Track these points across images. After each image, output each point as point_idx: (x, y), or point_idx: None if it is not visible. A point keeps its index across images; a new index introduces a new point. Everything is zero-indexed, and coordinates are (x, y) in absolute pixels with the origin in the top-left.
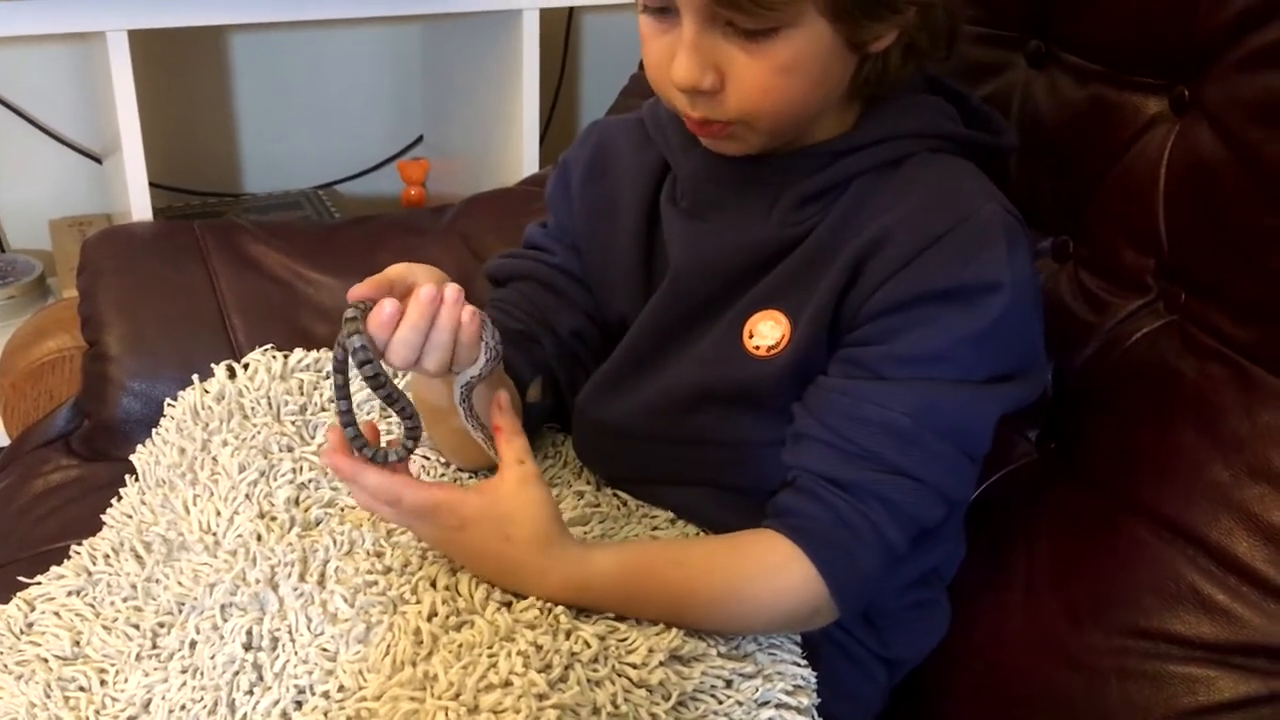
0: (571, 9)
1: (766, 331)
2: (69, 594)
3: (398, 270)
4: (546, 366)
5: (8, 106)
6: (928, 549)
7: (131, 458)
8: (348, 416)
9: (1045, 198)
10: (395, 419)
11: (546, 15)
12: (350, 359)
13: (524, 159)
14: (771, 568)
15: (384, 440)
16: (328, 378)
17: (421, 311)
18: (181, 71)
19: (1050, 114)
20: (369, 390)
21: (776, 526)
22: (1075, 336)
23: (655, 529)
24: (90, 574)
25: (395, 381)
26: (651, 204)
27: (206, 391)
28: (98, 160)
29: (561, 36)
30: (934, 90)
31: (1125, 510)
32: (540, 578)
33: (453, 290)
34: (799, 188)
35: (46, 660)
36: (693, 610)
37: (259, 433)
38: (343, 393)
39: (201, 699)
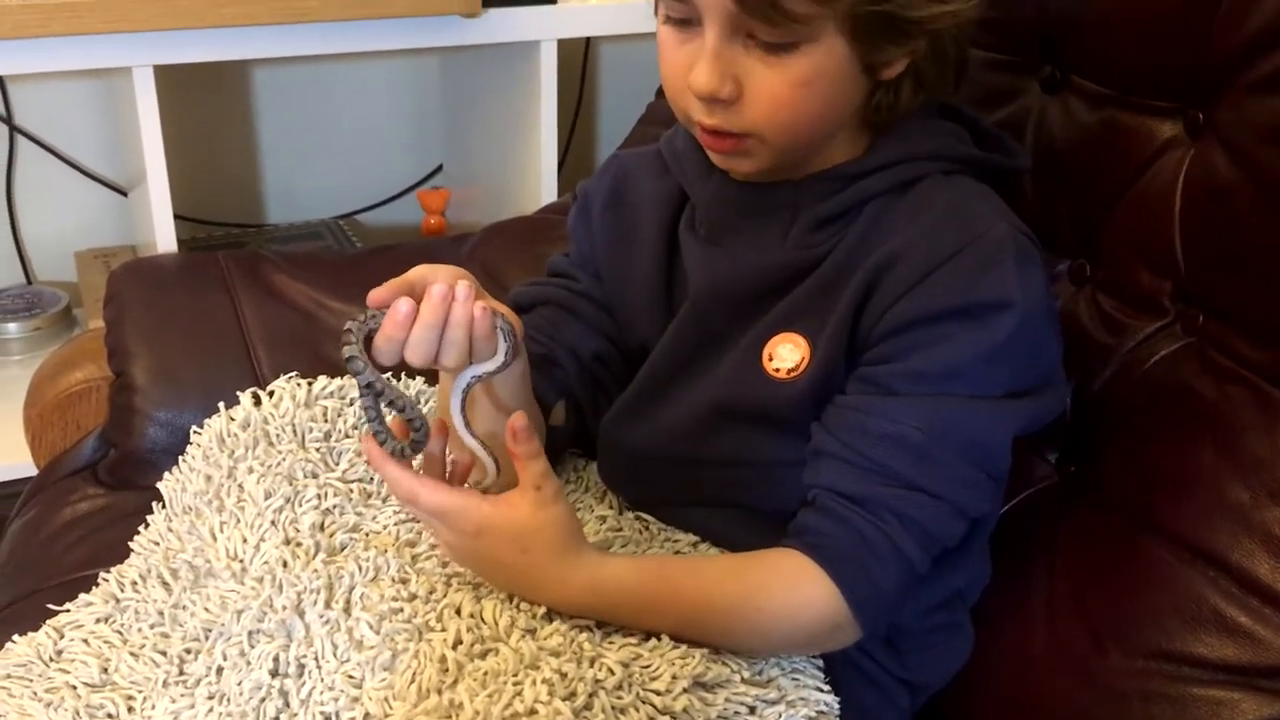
0: (589, 39)
1: (786, 354)
2: (97, 621)
3: (418, 272)
4: (569, 390)
5: (34, 140)
6: (952, 570)
7: (158, 485)
8: (372, 411)
9: (1061, 221)
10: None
11: (564, 45)
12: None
13: (542, 187)
14: (789, 582)
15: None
16: (352, 404)
17: (434, 309)
18: (205, 105)
19: (1065, 138)
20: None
21: (795, 544)
22: (1094, 359)
23: (677, 553)
24: (118, 601)
25: (400, 385)
26: (670, 232)
27: (232, 419)
28: (123, 193)
29: (579, 66)
30: (945, 114)
31: (1146, 532)
32: (558, 585)
33: (464, 287)
34: (813, 212)
35: (75, 687)
36: (708, 622)
37: (284, 459)
38: (366, 390)
39: None
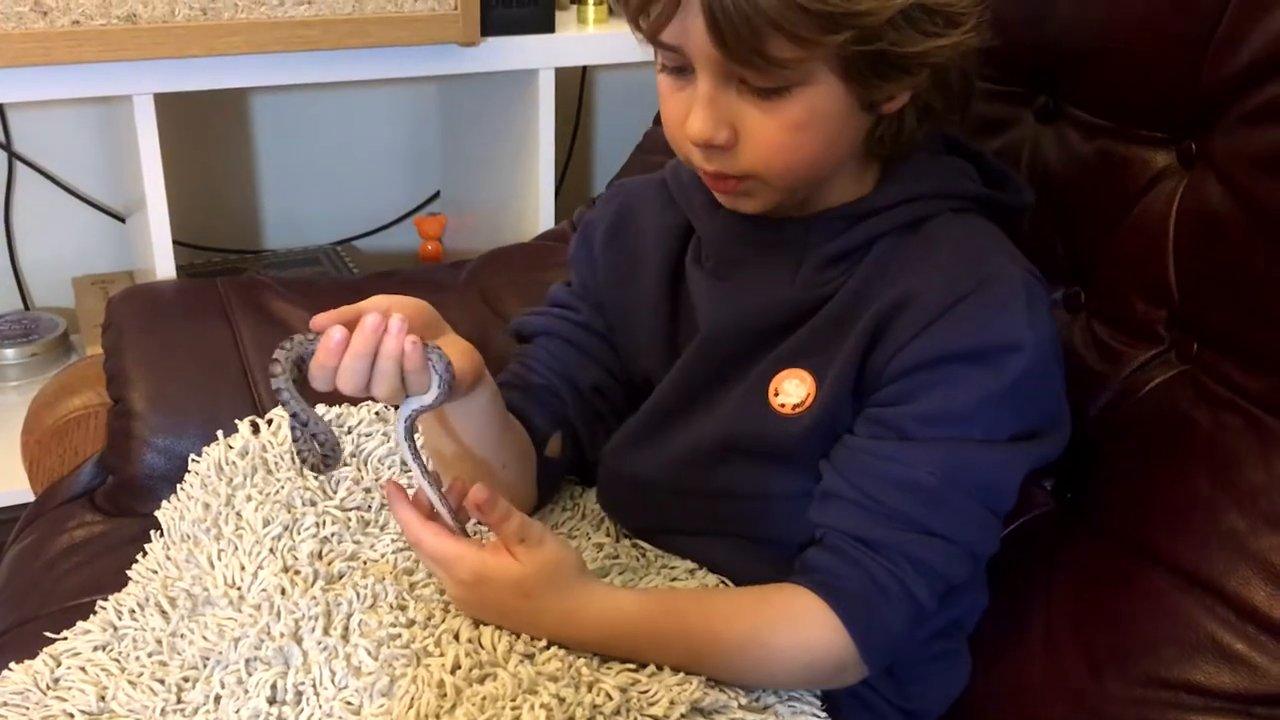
0: (585, 67)
1: (791, 390)
2: (95, 649)
3: (373, 301)
4: (567, 421)
5: (32, 166)
6: (951, 601)
7: (157, 513)
8: (296, 432)
9: (1056, 249)
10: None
11: (561, 73)
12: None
13: (540, 214)
14: (798, 619)
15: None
16: (349, 432)
17: (365, 340)
18: (203, 132)
19: (1059, 168)
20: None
21: (804, 582)
22: (1089, 386)
23: (674, 579)
24: (116, 629)
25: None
26: (676, 264)
27: (230, 447)
28: (120, 219)
29: (576, 93)
30: (950, 149)
31: (1142, 560)
32: (564, 624)
33: (397, 319)
34: (822, 250)
35: (73, 715)
36: (715, 658)
37: (282, 487)
38: (292, 418)
39: None
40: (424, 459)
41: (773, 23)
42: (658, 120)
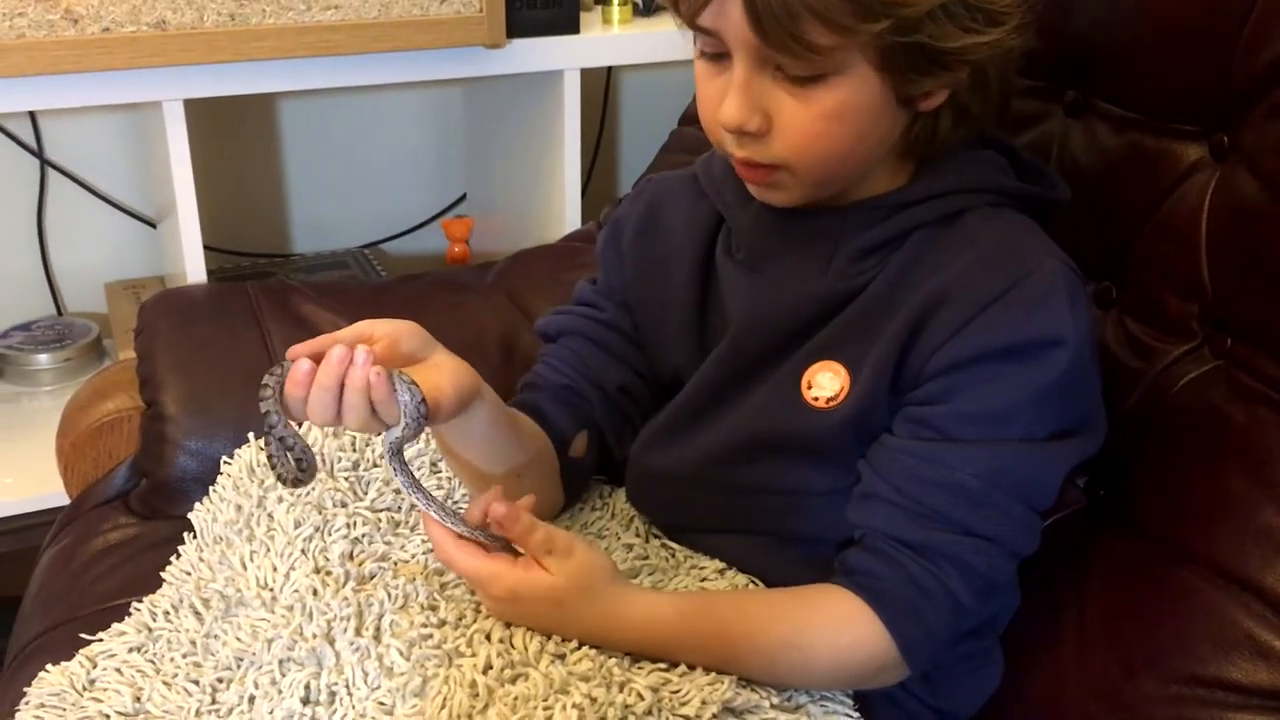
0: (610, 68)
1: (825, 383)
2: (130, 650)
3: (356, 329)
4: (593, 422)
5: (64, 173)
6: (987, 601)
7: (190, 515)
8: (274, 449)
9: (1087, 244)
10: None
11: (586, 74)
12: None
13: (566, 215)
14: (838, 622)
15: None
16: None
17: (330, 372)
18: (233, 137)
19: (1089, 162)
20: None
21: (845, 584)
22: (1121, 382)
23: (704, 580)
24: (150, 630)
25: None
26: (706, 258)
27: (262, 448)
28: (151, 224)
29: (601, 94)
30: (986, 144)
31: (1177, 557)
32: (602, 629)
33: (362, 351)
34: (856, 241)
35: (109, 716)
36: (753, 659)
37: (313, 489)
38: (269, 434)
39: None
40: (418, 484)
41: (810, 8)
42: (683, 120)
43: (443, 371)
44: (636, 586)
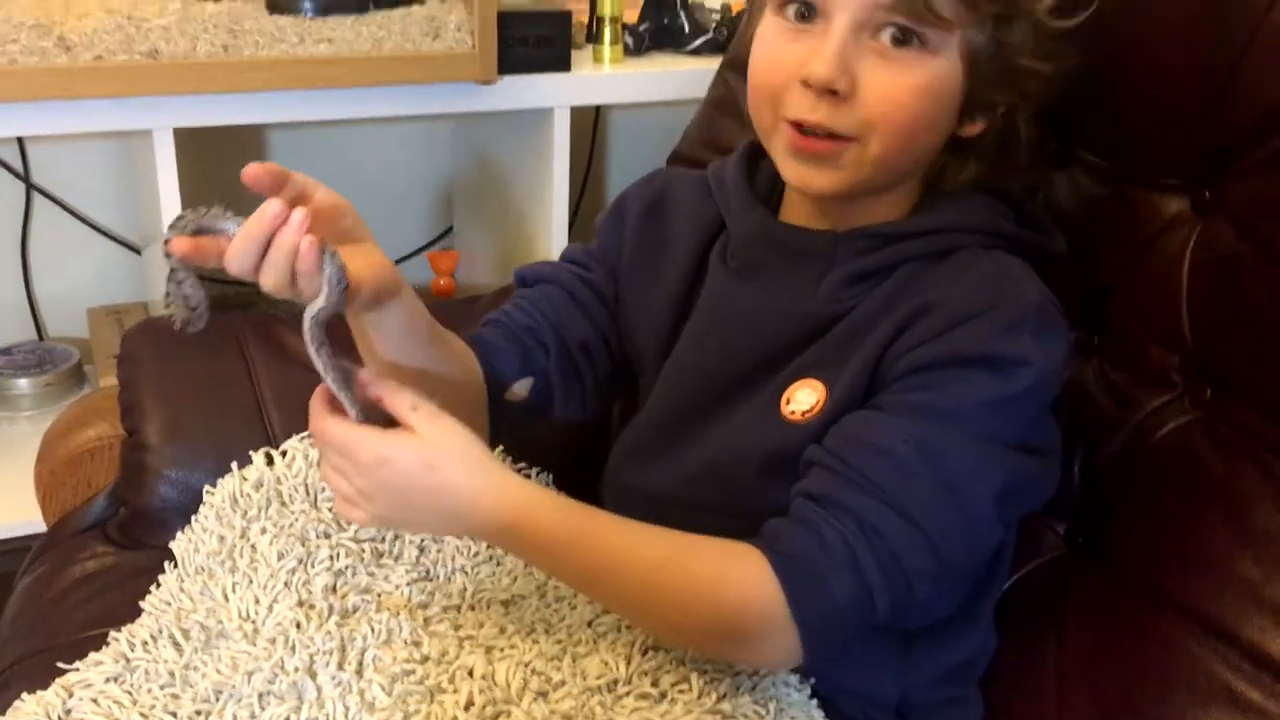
0: (599, 107)
1: (803, 398)
2: (107, 681)
3: (304, 183)
4: (542, 369)
5: (49, 197)
6: (958, 639)
7: (171, 545)
8: (172, 294)
9: (1069, 292)
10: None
11: (574, 111)
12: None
13: (553, 250)
14: (724, 554)
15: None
16: None
17: (260, 225)
18: (220, 165)
19: (1072, 210)
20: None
21: (750, 541)
22: (1102, 430)
23: None
24: (128, 661)
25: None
26: (701, 256)
27: (245, 479)
28: (136, 250)
29: (589, 131)
30: (991, 191)
31: (1156, 606)
32: (476, 502)
33: (299, 214)
34: (848, 266)
35: None
36: (629, 573)
37: (297, 520)
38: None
39: None
40: (328, 358)
41: None
42: (672, 160)
43: (368, 259)
44: (521, 477)
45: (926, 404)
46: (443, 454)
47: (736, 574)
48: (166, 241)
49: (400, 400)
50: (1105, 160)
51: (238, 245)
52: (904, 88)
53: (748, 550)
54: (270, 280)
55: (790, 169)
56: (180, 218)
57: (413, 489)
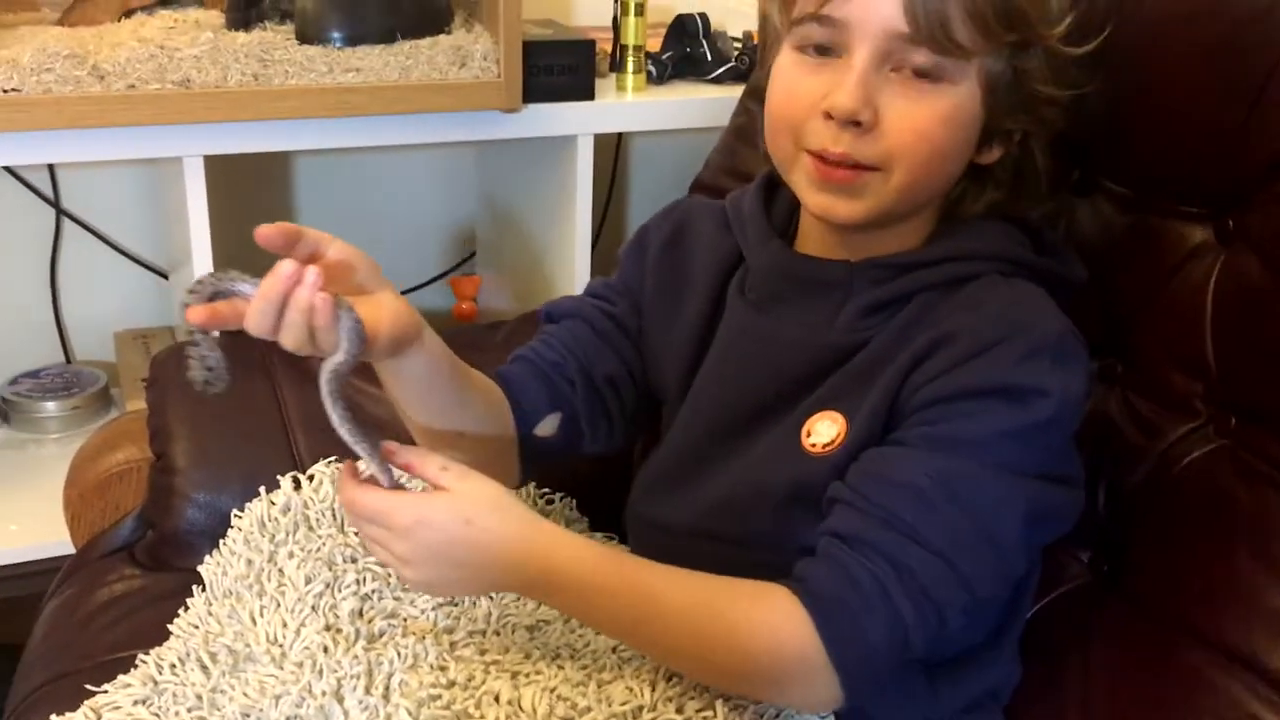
0: (621, 134)
1: (823, 430)
2: (135, 703)
3: (312, 238)
4: (570, 404)
5: (79, 223)
6: (982, 668)
7: (200, 568)
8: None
9: (1092, 320)
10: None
11: (598, 137)
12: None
13: (575, 276)
14: (760, 597)
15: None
16: None
17: (275, 285)
18: (248, 192)
19: (1095, 239)
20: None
21: (783, 583)
22: (1126, 458)
23: None
24: (156, 683)
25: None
26: (720, 289)
27: (273, 503)
28: (163, 275)
29: (611, 157)
30: (1007, 219)
31: (1181, 636)
32: (510, 551)
33: (312, 272)
34: (865, 297)
35: None
36: (664, 618)
37: (324, 544)
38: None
39: None
40: (348, 419)
41: (963, 5)
42: (694, 187)
43: (383, 308)
44: (553, 523)
45: (947, 436)
46: (477, 506)
47: (772, 619)
48: (185, 307)
49: (429, 464)
50: (1128, 189)
51: (256, 307)
52: (926, 118)
53: (781, 593)
54: (289, 339)
55: (813, 198)
56: (199, 283)
57: (454, 545)
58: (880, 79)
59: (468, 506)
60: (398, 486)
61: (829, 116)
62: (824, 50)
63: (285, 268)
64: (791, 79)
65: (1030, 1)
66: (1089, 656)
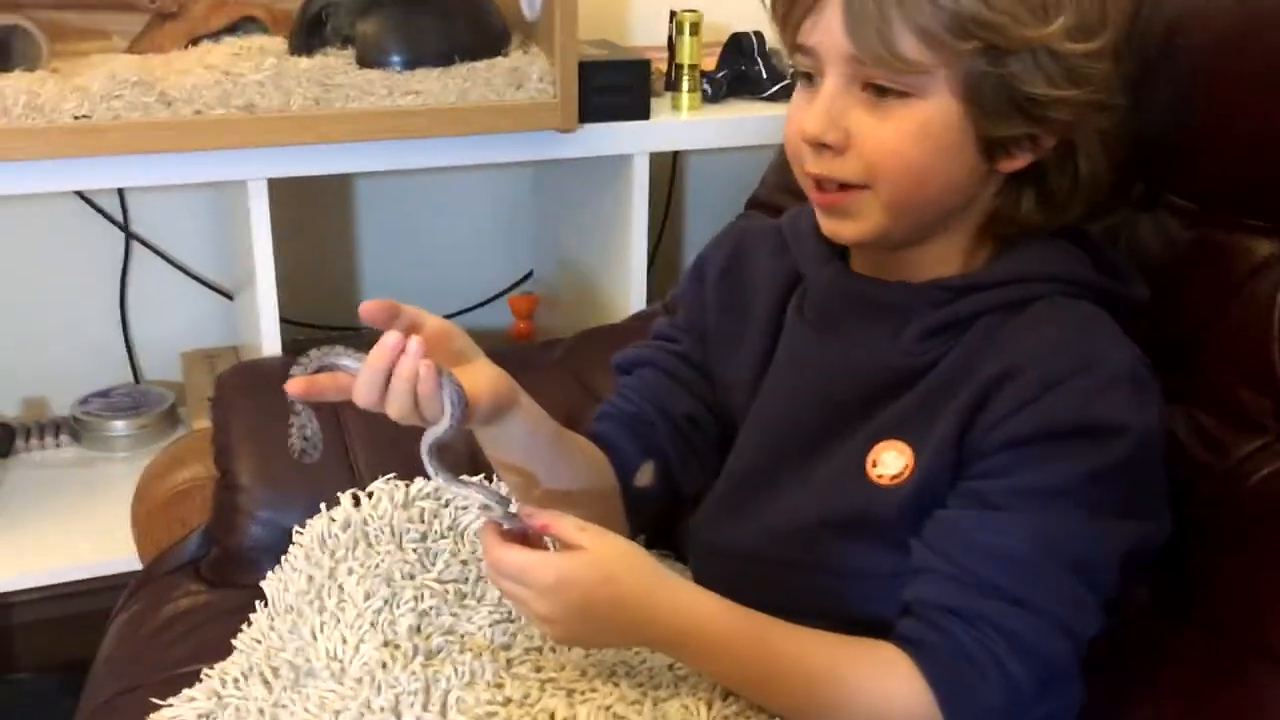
0: (677, 153)
1: (890, 461)
2: (199, 717)
3: (410, 313)
4: (659, 450)
5: (147, 245)
6: (1049, 686)
7: (262, 584)
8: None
9: (1157, 336)
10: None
11: (653, 156)
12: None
13: (632, 295)
14: (881, 665)
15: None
16: (446, 505)
17: (381, 357)
18: (311, 214)
19: (1158, 254)
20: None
21: (895, 643)
22: (1192, 477)
23: None
24: (220, 697)
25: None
26: (778, 312)
27: (333, 520)
28: (228, 296)
29: (668, 176)
30: (1070, 237)
31: (1254, 656)
32: (650, 610)
33: (415, 342)
34: (926, 319)
35: None
36: (790, 680)
37: (383, 561)
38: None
39: None
40: (458, 478)
41: (905, 18)
42: (750, 204)
43: (481, 376)
44: (688, 581)
45: (1031, 488)
46: (618, 565)
47: (892, 689)
48: (290, 379)
49: (565, 524)
50: (1191, 202)
51: (364, 379)
52: (893, 134)
53: (903, 663)
54: (395, 408)
55: (821, 223)
56: (305, 357)
57: (597, 603)
58: (851, 100)
59: (608, 564)
60: (528, 541)
61: (806, 141)
62: (810, 77)
63: (390, 339)
64: (792, 108)
65: (997, 5)
66: (1157, 678)
